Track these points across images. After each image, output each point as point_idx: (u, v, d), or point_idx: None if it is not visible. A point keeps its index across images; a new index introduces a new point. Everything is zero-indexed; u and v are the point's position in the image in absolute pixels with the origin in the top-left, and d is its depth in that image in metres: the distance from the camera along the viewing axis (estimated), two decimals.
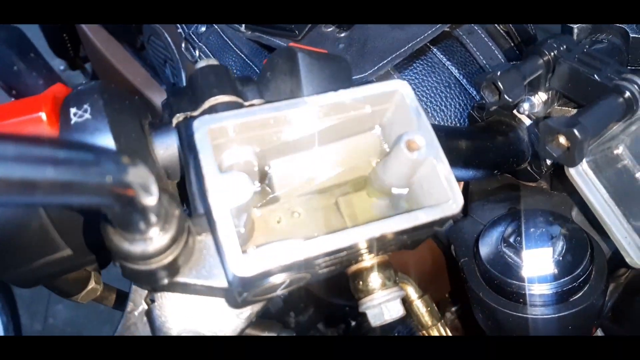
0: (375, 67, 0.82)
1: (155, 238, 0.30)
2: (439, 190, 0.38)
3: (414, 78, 0.86)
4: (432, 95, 0.86)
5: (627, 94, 0.49)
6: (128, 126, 0.40)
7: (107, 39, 1.31)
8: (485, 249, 0.61)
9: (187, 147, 0.39)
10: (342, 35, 0.87)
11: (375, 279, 0.43)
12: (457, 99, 0.84)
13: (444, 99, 0.85)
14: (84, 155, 0.25)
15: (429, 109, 0.84)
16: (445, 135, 0.61)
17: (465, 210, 0.74)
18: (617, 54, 0.60)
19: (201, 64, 0.42)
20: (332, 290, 0.84)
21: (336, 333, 1.10)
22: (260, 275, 0.32)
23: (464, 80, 0.85)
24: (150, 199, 0.28)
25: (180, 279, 0.36)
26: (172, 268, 0.34)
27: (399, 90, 0.40)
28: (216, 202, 0.33)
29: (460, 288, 0.62)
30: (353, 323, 1.07)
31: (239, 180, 0.34)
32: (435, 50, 0.87)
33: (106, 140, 0.37)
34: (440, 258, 0.79)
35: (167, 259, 0.32)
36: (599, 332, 0.87)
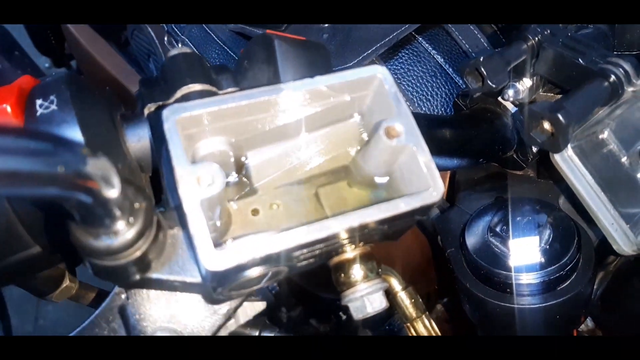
0: (360, 57, 0.81)
1: (120, 232, 0.29)
2: (419, 178, 0.37)
3: (399, 68, 0.85)
4: (418, 84, 0.85)
5: (613, 77, 0.49)
6: (97, 118, 0.38)
7: (91, 35, 1.29)
8: (472, 238, 0.60)
9: (159, 138, 0.37)
10: (326, 25, 0.86)
11: (357, 271, 0.42)
12: (443, 88, 0.83)
13: (430, 88, 0.84)
14: (40, 145, 0.23)
15: (415, 99, 0.83)
16: (429, 123, 0.60)
17: (452, 200, 0.73)
18: (602, 39, 0.59)
19: (173, 52, 0.41)
20: (321, 285, 0.83)
21: (328, 328, 1.09)
22: (233, 269, 0.31)
23: (450, 69, 0.84)
24: (112, 192, 0.26)
25: (152, 274, 0.34)
26: (143, 263, 0.33)
27: (377, 76, 0.39)
28: (186, 193, 0.31)
29: (449, 279, 0.61)
30: (344, 317, 1.06)
31: (210, 170, 0.32)
32: (420, 39, 0.85)
33: (73, 132, 0.36)
34: (428, 249, 0.78)
35: (136, 254, 0.30)
36: (589, 321, 0.87)
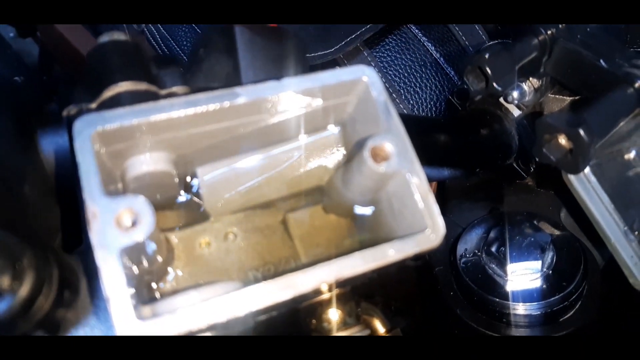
0: (343, 42, 0.72)
1: (3, 297, 0.21)
2: (414, 214, 0.29)
3: (386, 55, 0.76)
4: (406, 74, 0.76)
5: (639, 83, 0.41)
6: (1, 124, 0.29)
7: None
8: (464, 258, 0.53)
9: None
10: None
11: (332, 316, 0.34)
12: (433, 80, 0.75)
13: (419, 80, 0.76)
14: None
15: (402, 90, 0.75)
16: (419, 127, 0.52)
17: (441, 209, 0.66)
18: (615, 32, 0.51)
19: (103, 38, 0.32)
20: None
21: None
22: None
23: (442, 59, 0.76)
24: None
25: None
26: (49, 326, 0.24)
27: (362, 79, 0.30)
28: (100, 239, 0.23)
29: (437, 306, 0.54)
30: None
31: (135, 206, 0.24)
32: (410, 24, 0.77)
33: None
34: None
35: (33, 319, 0.22)
36: None
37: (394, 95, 0.75)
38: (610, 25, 0.51)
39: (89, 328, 0.26)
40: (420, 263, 0.50)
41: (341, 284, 0.31)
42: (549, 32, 0.45)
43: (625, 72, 0.41)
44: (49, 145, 0.32)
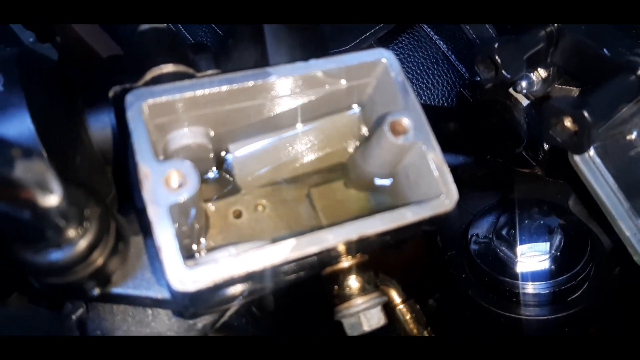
0: (357, 40, 0.75)
1: (68, 245, 0.24)
2: (429, 183, 0.31)
3: (399, 53, 0.79)
4: (419, 72, 0.79)
5: None
6: (52, 101, 0.33)
7: None
8: (475, 241, 0.55)
9: (123, 126, 0.32)
10: None
11: (353, 283, 0.37)
12: (445, 77, 0.78)
13: (431, 76, 0.78)
14: None
15: (414, 86, 0.78)
16: (432, 115, 0.54)
17: None
18: (622, 27, 0.54)
19: (144, 26, 0.35)
20: None
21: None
22: (207, 290, 0.26)
23: (453, 56, 0.78)
24: (51, 199, 0.21)
25: (113, 289, 0.29)
26: (101, 278, 0.27)
27: (381, 61, 0.33)
28: (152, 197, 0.26)
29: (441, 283, 0.56)
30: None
31: (182, 169, 0.27)
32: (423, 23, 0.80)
33: (21, 117, 0.30)
34: (419, 252, 0.74)
35: (89, 268, 0.25)
36: None
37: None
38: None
39: (138, 281, 0.29)
40: (434, 229, 0.53)
41: (361, 247, 0.34)
42: (554, 25, 0.48)
43: (627, 60, 0.44)
44: (95, 122, 0.35)
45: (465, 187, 0.67)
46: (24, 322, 0.37)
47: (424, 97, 0.76)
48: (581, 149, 0.40)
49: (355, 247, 0.33)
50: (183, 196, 0.26)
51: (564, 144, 0.41)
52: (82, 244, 0.24)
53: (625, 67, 0.44)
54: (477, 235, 0.56)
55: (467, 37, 0.78)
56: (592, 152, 0.43)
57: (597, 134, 0.42)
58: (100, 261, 0.26)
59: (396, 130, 0.32)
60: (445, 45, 0.78)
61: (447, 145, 0.53)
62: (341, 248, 0.30)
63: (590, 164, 0.43)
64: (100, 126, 0.35)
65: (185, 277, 0.25)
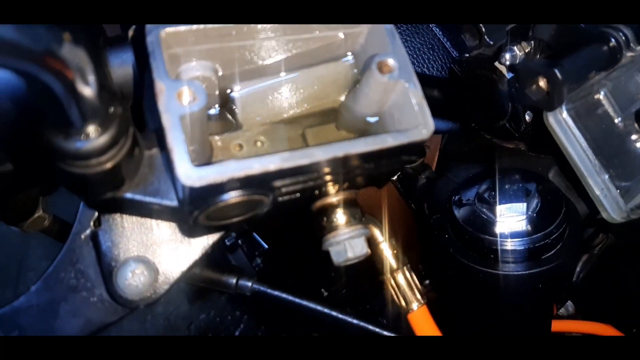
0: None
1: (92, 135, 0.28)
2: (410, 117, 0.35)
3: None
4: (415, 57, 0.83)
5: (612, 42, 0.48)
6: (76, 35, 0.37)
7: None
8: (459, 205, 0.59)
9: (142, 60, 0.36)
10: None
11: (340, 216, 0.41)
12: (439, 61, 0.82)
13: (427, 61, 0.83)
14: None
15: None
16: (422, 83, 0.59)
17: (442, 170, 0.72)
18: None
19: None
20: None
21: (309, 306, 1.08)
22: (211, 188, 0.30)
23: (447, 43, 0.82)
24: (87, 89, 0.25)
25: (125, 194, 0.33)
26: (115, 178, 0.31)
27: None
28: (166, 107, 0.30)
29: (433, 254, 0.60)
30: (326, 294, 1.05)
31: (193, 87, 0.31)
32: None
33: None
34: (414, 227, 0.77)
35: (107, 164, 0.29)
36: (569, 306, 0.87)
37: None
38: None
39: (148, 188, 0.33)
40: (415, 166, 0.57)
41: (347, 177, 0.38)
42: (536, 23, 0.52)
43: (601, 31, 0.48)
44: (114, 59, 0.39)
45: (452, 161, 0.72)
46: (41, 247, 0.40)
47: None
48: (552, 106, 0.44)
49: (338, 173, 0.37)
50: (193, 108, 0.30)
51: (538, 102, 0.45)
52: (104, 137, 0.28)
53: (599, 37, 0.48)
54: (461, 199, 0.60)
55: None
56: (565, 114, 0.47)
57: (568, 97, 0.46)
58: (116, 159, 0.30)
59: (383, 70, 0.36)
60: (440, 32, 0.83)
61: (436, 110, 0.57)
62: (329, 168, 0.34)
63: (563, 125, 0.47)
64: (118, 62, 0.39)
65: (192, 173, 0.29)
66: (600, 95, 0.46)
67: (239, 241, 0.82)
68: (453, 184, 0.65)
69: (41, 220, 0.46)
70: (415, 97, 0.35)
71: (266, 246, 0.84)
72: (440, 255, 0.61)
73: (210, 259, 0.40)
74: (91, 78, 0.25)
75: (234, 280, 0.50)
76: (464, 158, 0.70)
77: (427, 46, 0.83)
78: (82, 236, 0.37)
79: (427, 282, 0.84)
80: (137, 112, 0.40)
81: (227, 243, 0.79)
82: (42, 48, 0.22)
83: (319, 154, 0.32)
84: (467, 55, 0.54)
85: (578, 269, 0.77)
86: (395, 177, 0.74)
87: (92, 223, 0.36)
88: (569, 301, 0.85)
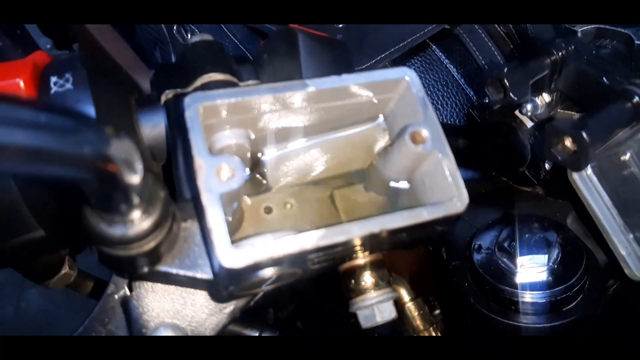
0: (373, 61, 0.79)
1: (136, 221, 0.28)
2: (443, 187, 0.35)
3: None
4: (429, 93, 0.84)
5: (636, 98, 0.48)
6: (112, 100, 0.37)
7: None
8: (479, 252, 0.59)
9: (176, 126, 0.36)
10: (341, 26, 0.85)
11: (368, 279, 0.41)
12: (454, 99, 0.82)
13: (441, 98, 0.83)
14: (61, 121, 0.22)
15: None
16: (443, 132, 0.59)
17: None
18: (621, 60, 0.58)
19: (195, 38, 0.40)
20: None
21: (315, 330, 1.07)
22: (249, 268, 0.30)
23: (462, 80, 0.83)
24: (134, 177, 0.25)
25: (162, 267, 0.33)
26: (154, 255, 0.31)
27: (405, 78, 0.38)
28: (206, 185, 0.30)
29: (445, 292, 0.60)
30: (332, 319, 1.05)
31: (232, 163, 0.31)
32: (434, 47, 0.84)
33: (88, 112, 0.34)
34: (425, 260, 0.77)
35: (149, 245, 0.29)
36: None
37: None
38: (616, 52, 0.59)
39: (184, 261, 0.33)
40: (446, 230, 0.57)
41: (377, 244, 0.38)
42: (560, 53, 0.52)
43: (624, 89, 0.48)
44: (146, 121, 0.39)
45: (470, 204, 0.72)
46: (68, 304, 0.40)
47: None
48: (579, 167, 0.44)
49: (371, 244, 0.37)
50: (232, 186, 0.31)
51: (563, 161, 0.45)
52: (148, 222, 0.28)
53: (622, 94, 0.48)
54: (480, 246, 0.60)
55: (476, 63, 0.83)
56: (589, 171, 0.47)
57: (594, 155, 0.46)
58: (158, 240, 0.30)
59: (416, 140, 0.36)
60: (455, 69, 0.83)
61: (455, 159, 0.57)
62: (360, 242, 0.34)
63: (587, 182, 0.47)
64: (150, 125, 0.39)
65: (232, 254, 0.29)
66: (627, 157, 0.46)
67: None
68: (471, 229, 0.65)
69: (67, 278, 0.45)
70: (448, 168, 0.35)
71: None
72: (459, 303, 0.60)
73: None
74: (138, 166, 0.25)
75: (256, 334, 0.49)
76: (481, 201, 0.69)
77: (441, 83, 0.83)
78: (116, 297, 0.37)
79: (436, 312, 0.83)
80: (167, 171, 0.41)
81: None
82: (92, 154, 0.22)
83: (355, 231, 0.32)
84: (489, 104, 0.54)
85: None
86: None
87: (125, 286, 0.36)
88: None
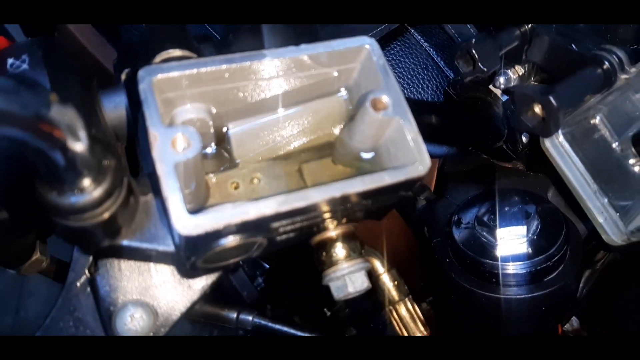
0: None
1: (86, 190, 0.27)
2: (406, 153, 0.35)
3: (391, 59, 0.84)
4: (410, 77, 0.84)
5: (606, 64, 0.48)
6: (70, 81, 0.37)
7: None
8: (459, 228, 0.59)
9: (135, 104, 0.36)
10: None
11: (339, 250, 0.41)
12: (434, 81, 0.82)
13: (421, 81, 0.83)
14: (3, 82, 0.22)
15: (406, 90, 0.82)
16: (419, 109, 0.59)
17: (440, 192, 0.72)
18: (596, 33, 0.58)
19: None
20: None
21: (312, 325, 1.07)
22: (207, 236, 0.30)
23: (441, 62, 0.83)
24: (78, 145, 0.25)
25: (122, 241, 0.33)
26: (111, 228, 0.31)
27: (365, 47, 0.37)
28: (160, 155, 0.30)
29: (434, 277, 0.60)
30: (328, 314, 1.05)
31: (187, 133, 0.31)
32: (412, 31, 0.84)
33: (44, 92, 0.34)
34: (414, 243, 0.77)
35: (103, 215, 0.29)
36: (574, 321, 0.86)
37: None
38: (592, 27, 0.58)
39: (145, 234, 0.33)
40: (411, 194, 0.57)
41: (346, 213, 0.38)
42: (528, 24, 0.52)
43: (594, 55, 0.48)
44: (108, 102, 0.39)
45: (451, 182, 0.72)
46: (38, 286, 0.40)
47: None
48: (549, 133, 0.44)
49: (340, 211, 0.36)
50: (187, 155, 0.30)
51: (534, 128, 0.45)
52: (99, 190, 0.28)
53: (592, 61, 0.48)
54: (460, 221, 0.60)
55: (454, 43, 0.83)
56: (561, 137, 0.47)
57: (564, 121, 0.46)
58: (112, 210, 0.29)
59: (377, 107, 0.36)
60: (434, 52, 0.83)
61: (433, 135, 0.57)
62: (325, 208, 0.34)
63: (560, 149, 0.47)
64: (112, 105, 0.39)
65: (187, 221, 0.29)
66: (597, 120, 0.46)
67: (240, 261, 0.82)
68: (452, 206, 0.65)
69: (39, 263, 0.45)
70: (410, 133, 0.35)
71: (267, 266, 0.84)
72: (442, 279, 0.60)
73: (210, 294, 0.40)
74: (82, 134, 0.25)
75: (234, 315, 0.49)
76: (462, 179, 0.69)
77: (420, 66, 0.83)
78: (78, 284, 0.36)
79: (429, 299, 0.84)
80: (132, 153, 0.40)
81: None
82: (31, 114, 0.22)
83: (315, 195, 0.32)
84: (462, 79, 0.54)
85: (581, 284, 0.76)
86: None
87: (86, 270, 0.36)
88: (573, 317, 0.85)
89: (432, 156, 0.67)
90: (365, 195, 0.34)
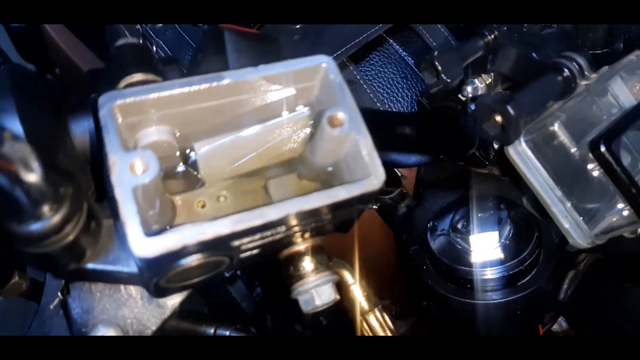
0: (330, 57, 0.81)
1: (44, 217, 0.28)
2: (362, 167, 0.36)
3: (370, 69, 0.85)
4: (389, 86, 0.85)
5: (566, 72, 0.49)
6: (39, 109, 0.38)
7: (71, 40, 1.28)
8: (434, 235, 0.60)
9: (99, 128, 0.37)
10: (298, 26, 0.86)
11: (306, 264, 0.42)
12: (413, 90, 0.83)
13: (401, 90, 0.84)
14: None
15: (385, 100, 0.83)
16: (390, 120, 0.60)
17: (419, 199, 0.73)
18: (567, 38, 0.59)
19: (120, 42, 0.41)
20: None
21: (313, 333, 1.08)
22: (165, 257, 0.31)
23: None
24: (31, 175, 0.26)
25: (87, 264, 0.34)
26: (75, 252, 0.32)
27: (322, 65, 0.39)
28: (117, 180, 0.31)
29: (408, 278, 0.61)
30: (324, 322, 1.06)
31: (145, 157, 0.32)
32: (391, 41, 0.86)
33: (12, 121, 0.35)
34: (395, 251, 0.78)
35: (65, 240, 0.30)
36: (562, 322, 0.87)
37: (378, 104, 0.83)
38: (562, 30, 0.60)
39: (110, 257, 0.34)
40: (369, 207, 0.57)
41: (309, 228, 0.39)
42: (492, 34, 0.54)
43: (554, 62, 0.49)
44: (77, 127, 0.40)
45: (429, 189, 0.73)
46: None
47: (394, 109, 0.82)
48: (509, 141, 0.45)
49: (302, 227, 0.37)
50: (145, 179, 0.31)
51: (494, 137, 0.46)
52: (57, 217, 0.29)
53: (552, 68, 0.49)
54: (435, 228, 0.61)
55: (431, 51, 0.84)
56: (523, 144, 0.48)
57: (526, 128, 0.47)
58: (73, 235, 0.30)
59: (333, 123, 0.37)
60: (413, 61, 0.84)
61: (404, 144, 0.58)
62: (286, 224, 0.35)
63: (522, 156, 0.48)
64: (81, 130, 0.40)
65: (145, 243, 0.30)
66: (555, 127, 0.47)
67: (238, 272, 0.83)
68: (430, 213, 0.66)
69: (18, 286, 0.46)
70: (365, 148, 0.36)
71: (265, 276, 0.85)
72: (419, 286, 0.61)
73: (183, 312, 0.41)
74: (35, 165, 0.26)
75: (212, 331, 0.50)
76: (440, 186, 0.70)
77: (400, 75, 0.85)
78: (51, 306, 0.37)
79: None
80: (99, 172, 0.41)
81: (227, 274, 0.80)
82: None
83: (271, 213, 0.33)
84: (427, 90, 0.56)
85: (565, 285, 0.77)
86: (375, 207, 0.75)
87: (59, 293, 0.37)
88: (560, 317, 0.86)
89: (409, 165, 0.69)
90: (322, 210, 0.35)
